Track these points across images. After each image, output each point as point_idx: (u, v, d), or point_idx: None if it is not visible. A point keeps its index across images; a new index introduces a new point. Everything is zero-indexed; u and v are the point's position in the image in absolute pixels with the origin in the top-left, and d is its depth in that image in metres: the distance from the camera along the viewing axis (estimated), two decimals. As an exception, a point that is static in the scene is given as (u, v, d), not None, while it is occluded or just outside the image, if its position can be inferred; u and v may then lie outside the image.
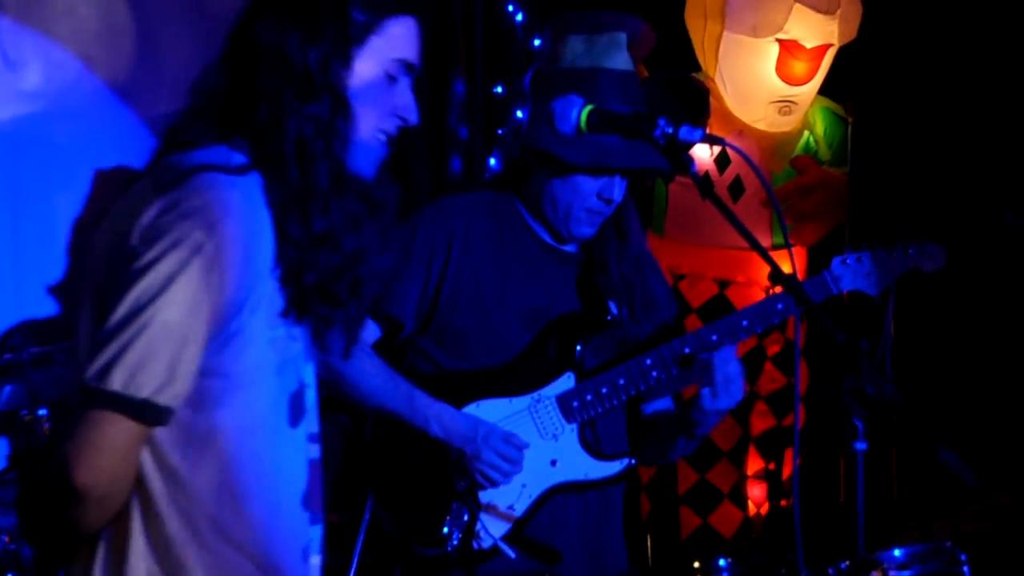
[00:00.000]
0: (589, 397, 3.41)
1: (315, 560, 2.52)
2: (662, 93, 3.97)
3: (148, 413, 2.25)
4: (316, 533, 2.52)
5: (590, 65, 3.41)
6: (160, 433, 2.33)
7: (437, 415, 3.37)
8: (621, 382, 3.40)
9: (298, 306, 2.39)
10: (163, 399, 2.25)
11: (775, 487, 5.28)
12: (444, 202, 3.57)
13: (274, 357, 2.39)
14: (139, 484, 2.34)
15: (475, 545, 3.37)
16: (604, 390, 3.40)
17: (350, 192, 2.43)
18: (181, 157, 2.36)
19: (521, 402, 3.41)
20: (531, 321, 3.46)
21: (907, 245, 3.62)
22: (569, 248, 3.51)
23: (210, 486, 2.36)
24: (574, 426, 3.42)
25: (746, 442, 5.31)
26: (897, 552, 2.85)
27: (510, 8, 5.06)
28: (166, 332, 2.25)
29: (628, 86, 3.43)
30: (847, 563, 2.82)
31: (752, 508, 5.27)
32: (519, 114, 3.83)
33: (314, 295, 2.40)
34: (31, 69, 4.45)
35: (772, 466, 5.29)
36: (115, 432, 2.25)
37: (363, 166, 2.45)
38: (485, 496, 3.40)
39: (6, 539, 3.65)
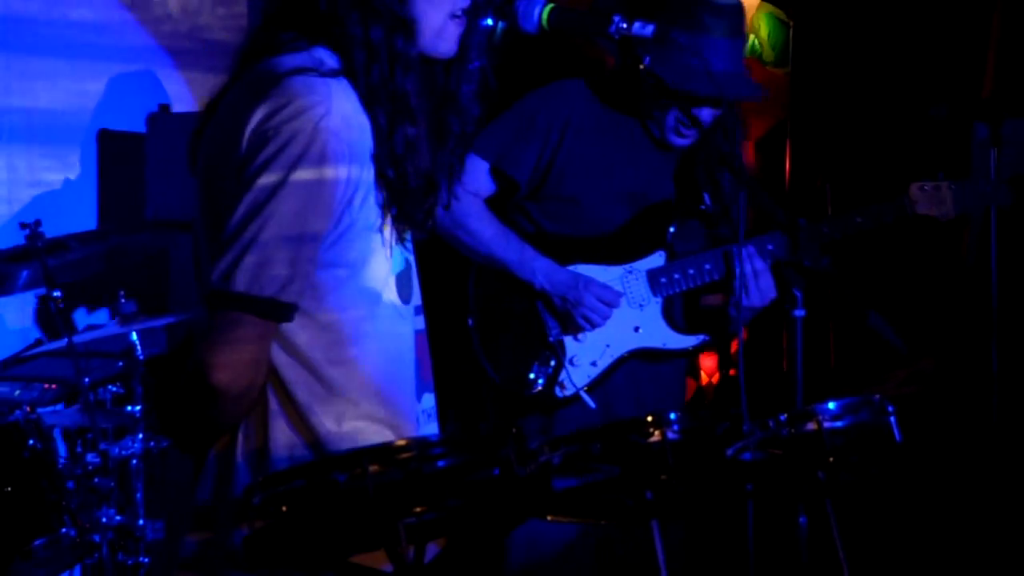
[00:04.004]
0: (676, 275, 3.58)
1: (429, 428, 2.51)
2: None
3: (275, 310, 2.22)
4: (428, 402, 2.52)
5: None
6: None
7: (543, 268, 3.56)
8: (707, 267, 3.57)
9: (396, 198, 2.35)
10: (287, 296, 2.22)
11: (725, 359, 5.37)
12: (568, 81, 3.65)
13: (379, 241, 2.35)
14: (271, 370, 2.30)
15: (557, 392, 3.57)
16: (691, 271, 3.57)
17: (430, 107, 2.38)
18: (273, 62, 2.29)
19: (615, 271, 3.60)
20: (631, 201, 3.62)
21: (981, 182, 3.64)
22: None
23: (341, 373, 2.33)
24: (659, 299, 3.60)
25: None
26: (831, 404, 2.78)
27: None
28: (284, 231, 2.20)
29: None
30: (785, 415, 2.74)
31: (704, 378, 5.40)
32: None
33: (407, 193, 2.36)
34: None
35: (722, 339, 5.47)
36: (245, 331, 2.22)
37: (443, 50, 2.40)
38: (571, 350, 3.57)
39: (27, 409, 3.66)
